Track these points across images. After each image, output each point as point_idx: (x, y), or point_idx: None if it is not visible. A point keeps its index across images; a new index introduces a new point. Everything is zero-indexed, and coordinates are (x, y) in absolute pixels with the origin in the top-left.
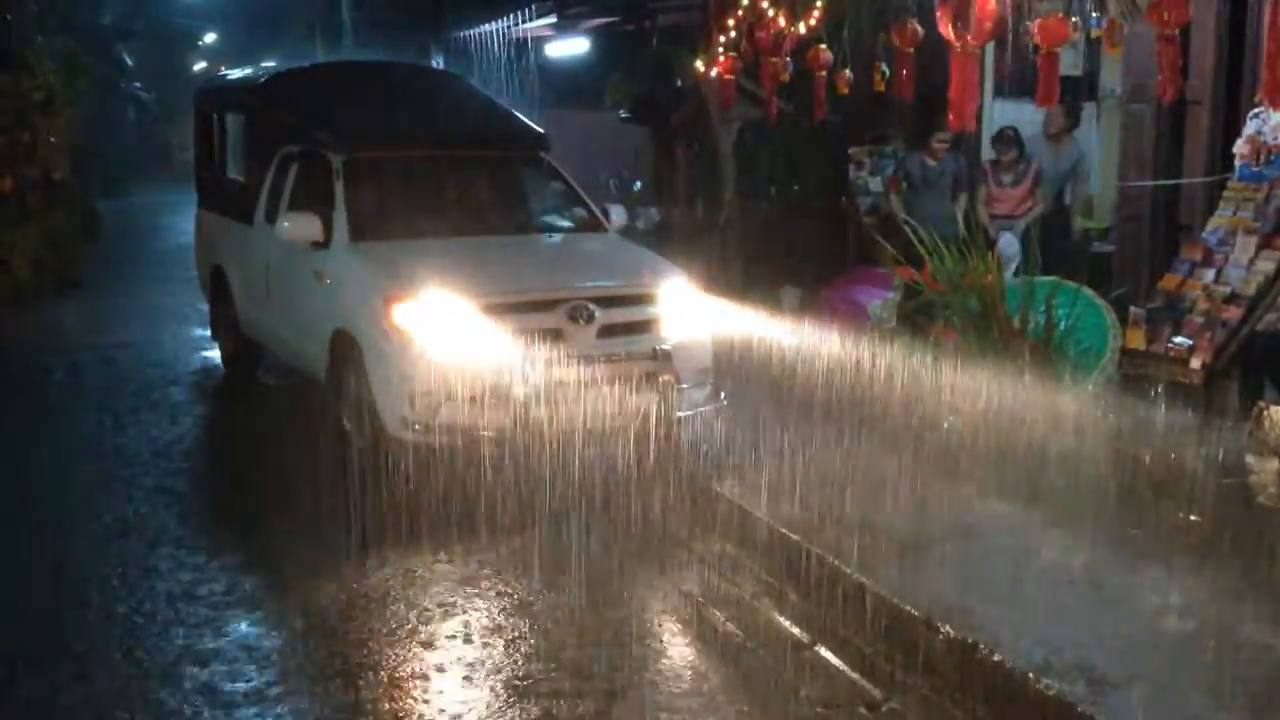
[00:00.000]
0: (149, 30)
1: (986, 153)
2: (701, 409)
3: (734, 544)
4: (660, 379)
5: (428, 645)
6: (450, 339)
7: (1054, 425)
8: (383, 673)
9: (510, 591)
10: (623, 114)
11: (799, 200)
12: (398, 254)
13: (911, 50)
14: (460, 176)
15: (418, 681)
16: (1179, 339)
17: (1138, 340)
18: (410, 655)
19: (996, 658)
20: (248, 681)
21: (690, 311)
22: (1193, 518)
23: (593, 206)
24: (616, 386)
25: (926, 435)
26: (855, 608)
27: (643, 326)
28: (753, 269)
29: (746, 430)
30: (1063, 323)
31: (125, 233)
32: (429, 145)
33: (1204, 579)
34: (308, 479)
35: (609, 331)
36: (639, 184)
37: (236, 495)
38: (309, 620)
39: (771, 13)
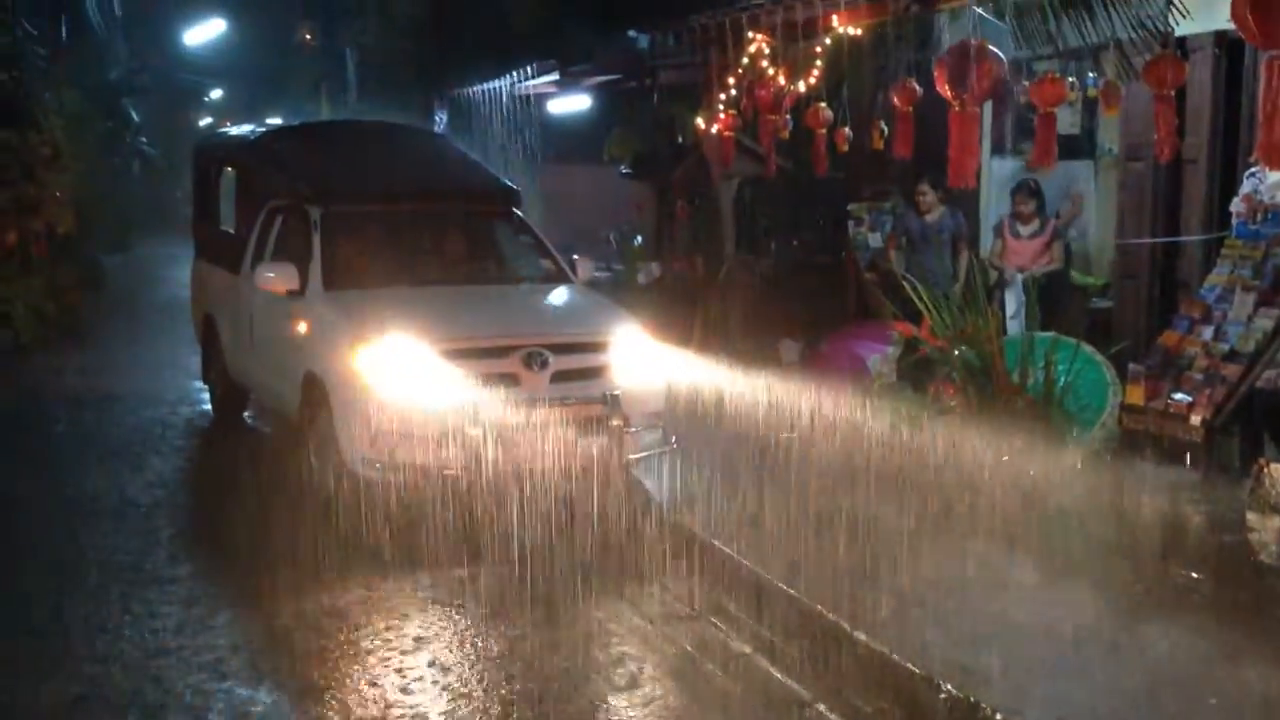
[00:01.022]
0: (156, 86)
1: (985, 209)
2: (652, 452)
3: (678, 573)
4: (610, 423)
5: (384, 658)
6: (410, 381)
7: (1052, 481)
8: (347, 682)
9: (458, 612)
10: (623, 169)
11: (799, 256)
12: (366, 301)
13: (910, 109)
14: (432, 229)
15: (379, 687)
16: (1179, 395)
17: (1137, 396)
18: (370, 668)
19: (999, 717)
20: (222, 679)
21: (642, 359)
22: (1194, 575)
23: (559, 259)
24: (569, 429)
25: (909, 488)
26: (853, 667)
27: (595, 372)
28: (753, 323)
29: (698, 472)
30: (1062, 379)
31: (128, 286)
32: (404, 200)
33: (1206, 637)
34: (277, 512)
35: (562, 377)
36: (640, 239)
37: (211, 526)
38: (272, 629)
39: (771, 71)
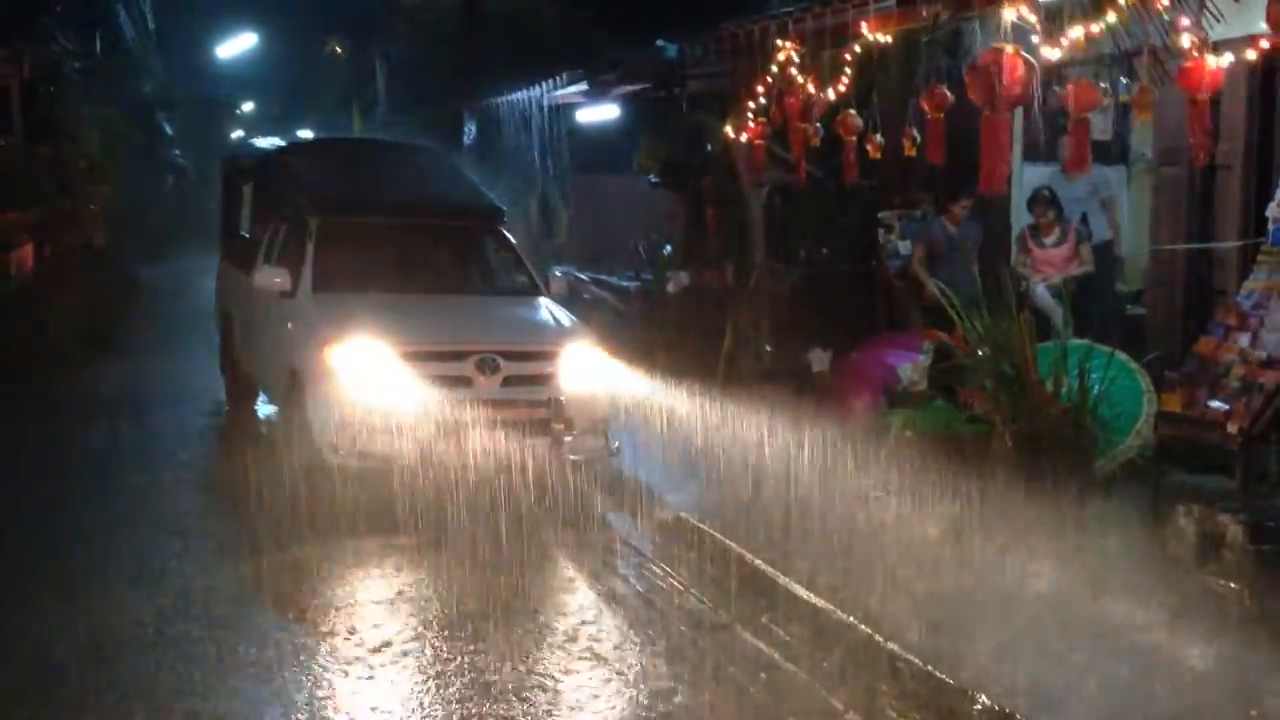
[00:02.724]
0: (189, 99)
1: (1016, 216)
2: (594, 454)
3: (582, 533)
4: (552, 425)
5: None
6: (372, 379)
7: (1083, 489)
8: (328, 611)
9: (403, 563)
10: (652, 179)
11: (828, 264)
12: (345, 305)
13: (941, 115)
14: (418, 242)
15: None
16: (1215, 403)
17: (1173, 404)
18: (342, 601)
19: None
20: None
21: (590, 369)
22: (1232, 585)
23: (534, 274)
24: (514, 428)
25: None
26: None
27: (543, 379)
28: (782, 331)
29: (639, 469)
30: (1096, 387)
31: (162, 297)
32: (393, 214)
33: (1242, 648)
34: (259, 488)
35: (512, 381)
36: (669, 248)
37: (205, 501)
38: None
39: (801, 79)
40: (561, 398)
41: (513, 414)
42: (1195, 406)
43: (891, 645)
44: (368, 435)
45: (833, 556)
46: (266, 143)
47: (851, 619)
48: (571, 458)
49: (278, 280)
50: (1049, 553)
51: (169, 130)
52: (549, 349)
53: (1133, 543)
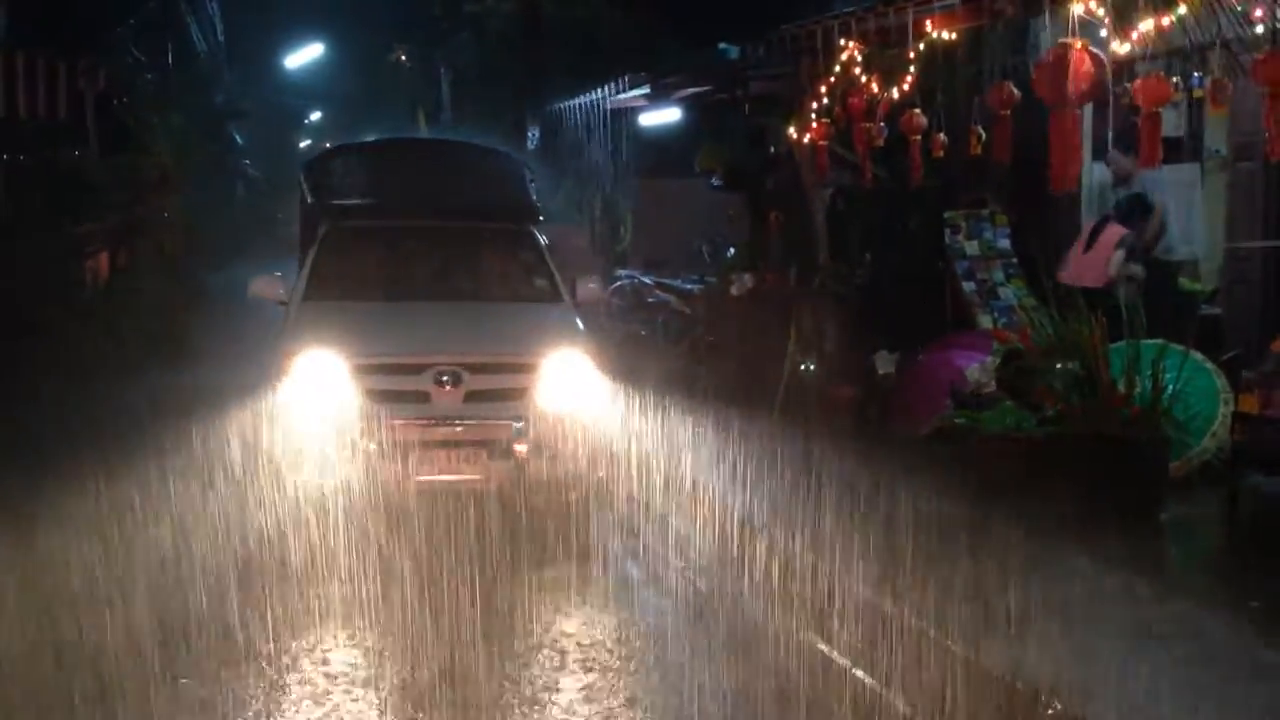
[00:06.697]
0: (258, 109)
1: (1086, 213)
2: (564, 476)
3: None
4: (513, 446)
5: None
6: (324, 392)
7: (1159, 492)
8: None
9: (346, 578)
10: (715, 181)
11: (894, 265)
12: (325, 314)
13: (1008, 113)
14: (433, 245)
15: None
16: None
17: (1250, 405)
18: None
19: None
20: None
21: (575, 382)
22: None
23: (558, 279)
24: (473, 449)
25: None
26: None
27: (513, 395)
28: (847, 333)
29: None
30: (1170, 387)
31: (232, 305)
32: (409, 216)
33: None
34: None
35: (475, 397)
36: (732, 250)
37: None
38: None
39: (865, 79)
40: (529, 415)
41: (473, 434)
42: (1273, 407)
43: (957, 648)
44: (316, 452)
45: (894, 561)
46: (328, 148)
47: (923, 624)
48: (543, 479)
49: (274, 290)
50: (1119, 557)
51: (239, 140)
52: (523, 360)
53: (1208, 548)
